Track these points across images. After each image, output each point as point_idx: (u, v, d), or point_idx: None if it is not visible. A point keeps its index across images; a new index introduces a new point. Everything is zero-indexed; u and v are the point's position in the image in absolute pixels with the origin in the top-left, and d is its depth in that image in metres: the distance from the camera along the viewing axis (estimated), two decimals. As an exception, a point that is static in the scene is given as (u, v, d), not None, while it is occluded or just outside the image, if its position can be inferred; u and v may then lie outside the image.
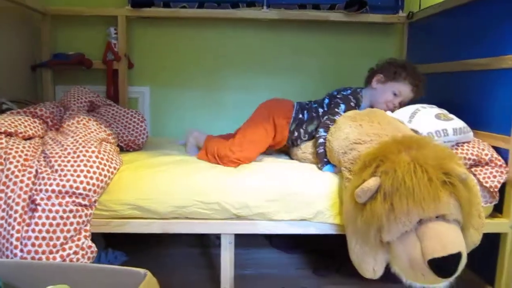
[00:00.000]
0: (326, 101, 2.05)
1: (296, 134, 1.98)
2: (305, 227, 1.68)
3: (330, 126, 1.84)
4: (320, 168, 1.80)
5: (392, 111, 1.94)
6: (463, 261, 1.28)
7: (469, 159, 1.68)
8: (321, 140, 1.83)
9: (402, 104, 1.99)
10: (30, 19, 2.62)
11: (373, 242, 1.35)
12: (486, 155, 1.68)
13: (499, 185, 1.66)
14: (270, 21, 2.71)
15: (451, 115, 1.79)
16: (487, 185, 1.65)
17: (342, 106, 1.93)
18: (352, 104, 1.96)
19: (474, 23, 1.96)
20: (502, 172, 1.67)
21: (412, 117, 1.77)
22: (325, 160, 1.79)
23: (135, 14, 2.62)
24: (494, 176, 1.66)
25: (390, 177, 1.28)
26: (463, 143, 1.73)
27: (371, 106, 2.01)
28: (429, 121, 1.72)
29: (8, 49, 2.35)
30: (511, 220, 1.70)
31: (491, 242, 1.77)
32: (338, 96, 2.01)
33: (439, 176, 1.28)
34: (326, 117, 1.91)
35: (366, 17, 2.65)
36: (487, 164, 1.70)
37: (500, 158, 1.71)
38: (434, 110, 1.81)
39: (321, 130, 1.87)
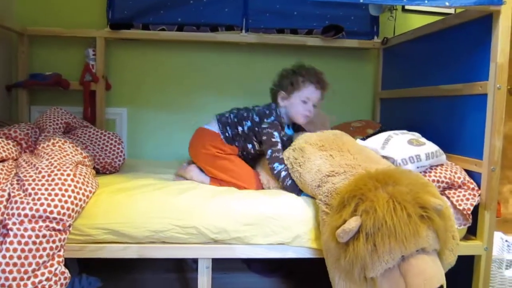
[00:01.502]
0: (256, 118, 1.97)
1: (249, 146, 1.97)
2: (283, 251, 1.67)
3: (280, 157, 1.84)
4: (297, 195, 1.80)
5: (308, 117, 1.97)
6: None
7: (442, 181, 1.71)
8: (283, 174, 1.80)
9: (318, 105, 2.01)
10: (7, 39, 2.59)
11: (357, 280, 1.36)
12: (459, 178, 1.72)
13: (471, 208, 1.69)
14: (249, 44, 2.75)
15: (423, 140, 1.83)
16: (460, 207, 1.68)
17: (276, 134, 1.88)
18: (280, 128, 1.93)
19: (445, 49, 2.03)
20: (474, 195, 1.71)
21: (386, 144, 1.80)
22: (298, 189, 1.78)
23: (114, 36, 2.61)
24: (467, 199, 1.70)
25: (371, 217, 1.29)
26: (436, 166, 1.77)
27: (292, 122, 2.03)
28: (402, 147, 1.75)
29: (-18, 69, 2.32)
30: (484, 242, 1.74)
31: (466, 264, 1.80)
32: (264, 126, 1.91)
33: (417, 211, 1.30)
34: (269, 150, 1.85)
35: (343, 42, 2.72)
36: (460, 187, 1.74)
37: (472, 181, 1.75)
38: (406, 136, 1.84)
39: (276, 165, 1.82)
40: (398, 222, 1.27)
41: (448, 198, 1.72)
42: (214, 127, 1.98)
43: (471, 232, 1.79)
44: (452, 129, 1.93)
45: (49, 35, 2.64)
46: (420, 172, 1.72)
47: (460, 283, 1.86)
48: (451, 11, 2.55)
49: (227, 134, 1.94)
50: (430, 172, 1.72)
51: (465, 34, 1.89)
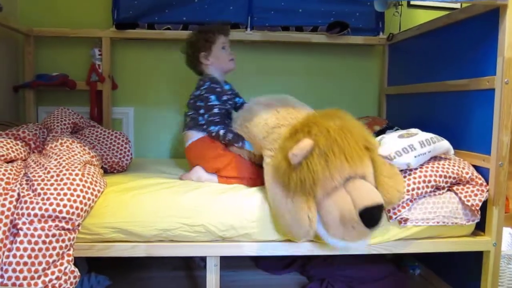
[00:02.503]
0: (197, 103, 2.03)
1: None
2: (291, 248, 1.68)
3: (216, 120, 1.94)
4: (241, 147, 1.89)
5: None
6: (383, 215, 1.47)
7: (450, 177, 1.70)
8: (222, 132, 1.91)
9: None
10: (13, 40, 2.61)
11: (307, 194, 1.46)
12: (467, 173, 1.72)
13: (480, 204, 1.68)
14: (254, 42, 2.75)
15: (415, 131, 1.82)
16: (469, 203, 1.68)
17: (212, 97, 1.97)
18: (216, 89, 2.00)
19: (452, 45, 2.02)
20: (482, 191, 1.70)
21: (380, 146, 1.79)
22: (242, 138, 1.89)
23: (119, 35, 2.62)
24: (475, 195, 1.69)
25: (324, 137, 1.43)
26: (445, 159, 1.76)
27: (224, 73, 2.16)
28: (393, 142, 1.73)
29: (-10, 70, 2.34)
30: (493, 238, 1.73)
31: (475, 260, 1.80)
32: (202, 93, 2.00)
33: (362, 142, 1.47)
34: (206, 115, 1.96)
35: (348, 39, 2.71)
36: (467, 182, 1.73)
37: (480, 177, 1.74)
38: (398, 132, 1.83)
39: (212, 128, 1.93)
40: (348, 144, 1.42)
41: (456, 194, 1.71)
42: (196, 135, 1.99)
43: (480, 228, 1.78)
44: (459, 125, 1.93)
45: (55, 35, 2.65)
46: (424, 163, 1.72)
47: (469, 279, 1.86)
48: (457, 6, 2.55)
49: (208, 131, 1.96)
50: (438, 168, 1.71)
51: (471, 29, 1.88)
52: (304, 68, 2.87)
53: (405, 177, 1.67)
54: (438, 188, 1.71)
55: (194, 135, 1.99)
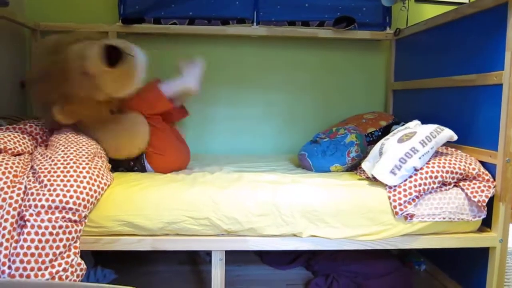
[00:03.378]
0: None
1: None
2: (297, 243, 1.68)
3: None
4: None
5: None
6: None
7: (457, 173, 1.69)
8: None
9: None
10: (20, 35, 2.62)
11: None
12: (474, 169, 1.71)
13: (486, 200, 1.68)
14: (260, 37, 2.74)
15: (413, 128, 1.81)
16: (475, 199, 1.67)
17: None
18: None
19: (459, 40, 2.01)
20: (489, 187, 1.70)
21: (381, 154, 1.78)
22: None
23: (125, 30, 2.63)
24: (482, 191, 1.68)
25: None
26: (451, 155, 1.75)
27: None
28: (394, 149, 1.72)
29: (-3, 65, 2.35)
30: (499, 234, 1.72)
31: (481, 256, 1.79)
32: None
33: None
34: None
35: (355, 34, 2.69)
36: (474, 178, 1.72)
37: (487, 172, 1.74)
38: (396, 135, 1.82)
39: None
40: None
41: (463, 189, 1.71)
42: None
43: (486, 224, 1.78)
44: (466, 120, 1.91)
45: (61, 30, 2.65)
46: (430, 159, 1.72)
47: (475, 276, 1.85)
48: (465, 0, 2.53)
49: None
50: (445, 163, 1.70)
51: (479, 23, 1.86)
52: (310, 63, 2.86)
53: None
54: (444, 183, 1.70)
55: None
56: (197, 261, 2.32)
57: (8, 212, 1.39)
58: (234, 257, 2.23)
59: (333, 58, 2.87)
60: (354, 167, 2.13)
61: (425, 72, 2.31)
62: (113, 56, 1.72)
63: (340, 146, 2.11)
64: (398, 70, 2.73)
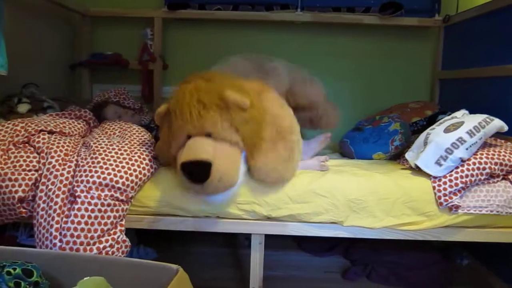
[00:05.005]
0: None
1: None
2: (336, 230, 1.67)
3: None
4: None
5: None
6: (215, 171, 1.39)
7: (506, 165, 1.63)
8: None
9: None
10: (70, 20, 2.71)
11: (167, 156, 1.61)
12: (525, 162, 1.64)
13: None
14: (304, 23, 2.72)
15: (461, 117, 1.75)
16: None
17: None
18: None
19: (514, 27, 1.92)
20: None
21: (426, 144, 1.73)
22: None
23: (171, 16, 2.67)
24: (533, 184, 1.62)
25: (175, 98, 1.51)
26: (501, 146, 1.68)
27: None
28: (440, 139, 1.67)
29: (49, 49, 2.44)
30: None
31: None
32: None
33: (212, 100, 1.46)
34: None
35: (401, 20, 2.62)
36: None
37: (540, 165, 1.66)
38: (443, 125, 1.76)
39: None
40: (183, 105, 1.46)
41: (512, 182, 1.64)
42: None
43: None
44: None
45: (109, 15, 2.73)
46: (479, 150, 1.66)
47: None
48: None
49: None
50: (494, 155, 1.64)
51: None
52: (354, 51, 2.82)
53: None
54: (492, 176, 1.64)
55: None
56: (236, 244, 2.36)
57: (59, 188, 1.46)
58: (272, 242, 2.25)
59: (377, 46, 2.81)
60: (397, 157, 2.08)
61: (476, 61, 2.22)
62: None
63: (383, 134, 2.07)
64: (446, 59, 2.64)
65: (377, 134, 2.08)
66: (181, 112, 1.47)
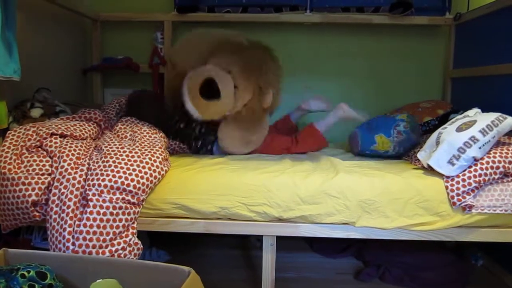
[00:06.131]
0: None
1: None
2: (348, 231, 1.66)
3: None
4: None
5: None
6: None
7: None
8: None
9: None
10: (81, 25, 2.74)
11: None
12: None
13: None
14: (313, 24, 2.71)
15: (473, 116, 1.72)
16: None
17: None
18: None
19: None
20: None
21: (438, 144, 1.71)
22: None
23: (181, 19, 2.68)
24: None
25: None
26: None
27: None
28: (453, 138, 1.65)
29: (61, 54, 2.47)
30: None
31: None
32: None
33: None
34: None
35: (412, 19, 2.60)
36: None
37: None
38: (455, 124, 1.73)
39: None
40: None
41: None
42: None
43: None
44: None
45: (120, 20, 2.75)
46: (492, 149, 1.64)
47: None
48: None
49: None
50: (507, 153, 1.62)
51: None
52: (364, 51, 2.80)
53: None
54: (506, 174, 1.62)
55: None
56: (248, 246, 2.36)
57: (71, 192, 1.47)
58: (284, 244, 2.24)
59: (388, 45, 2.79)
60: (405, 148, 2.06)
61: (488, 59, 2.20)
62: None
63: (388, 120, 2.10)
64: (457, 57, 2.62)
65: (382, 119, 2.14)
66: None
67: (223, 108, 1.95)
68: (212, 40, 2.14)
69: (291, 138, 2.11)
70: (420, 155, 1.80)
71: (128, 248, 1.50)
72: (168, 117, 2.15)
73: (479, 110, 1.83)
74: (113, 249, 1.45)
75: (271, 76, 2.04)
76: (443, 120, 2.19)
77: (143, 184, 1.54)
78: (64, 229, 1.42)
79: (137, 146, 1.66)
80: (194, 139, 2.12)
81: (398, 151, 2.05)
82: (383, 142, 2.04)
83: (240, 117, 2.00)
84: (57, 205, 1.47)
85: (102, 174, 1.50)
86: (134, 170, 1.54)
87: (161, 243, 2.17)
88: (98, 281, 1.19)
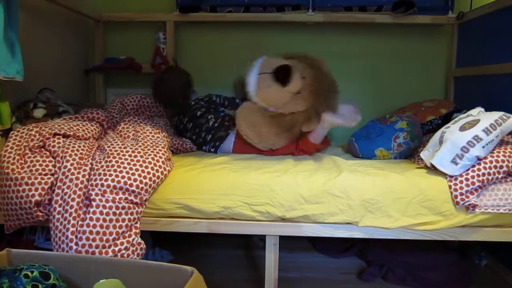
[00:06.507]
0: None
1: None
2: (350, 231, 1.66)
3: None
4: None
5: None
6: None
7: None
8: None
9: None
10: (83, 26, 2.74)
11: None
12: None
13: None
14: (316, 24, 2.71)
15: (476, 115, 1.72)
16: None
17: None
18: None
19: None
20: None
21: (441, 143, 1.70)
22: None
23: (183, 19, 2.68)
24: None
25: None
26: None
27: None
28: (456, 138, 1.64)
29: (64, 54, 2.47)
30: None
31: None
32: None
33: None
34: None
35: (414, 18, 2.59)
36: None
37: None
38: (458, 123, 1.73)
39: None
40: None
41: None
42: None
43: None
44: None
45: (122, 20, 2.76)
46: (495, 148, 1.63)
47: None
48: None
49: None
50: (511, 153, 1.61)
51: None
52: (367, 50, 2.80)
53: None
54: (510, 174, 1.62)
55: None
56: (251, 246, 2.36)
57: (74, 192, 1.48)
58: (287, 244, 2.24)
59: (391, 44, 2.79)
60: (406, 155, 2.06)
61: (491, 58, 2.19)
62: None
63: (387, 129, 2.05)
64: (460, 56, 2.61)
65: (380, 129, 2.07)
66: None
67: (278, 96, 1.99)
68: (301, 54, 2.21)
69: (295, 145, 2.10)
70: (423, 154, 1.79)
71: (131, 248, 1.50)
72: (193, 92, 2.30)
73: (483, 109, 1.83)
74: (116, 249, 1.45)
75: (332, 108, 2.00)
76: (446, 119, 2.18)
77: (146, 184, 1.54)
78: (67, 229, 1.42)
79: (140, 146, 1.66)
80: (206, 130, 2.13)
81: (399, 157, 2.07)
82: (383, 155, 2.05)
83: (279, 118, 2.00)
84: (60, 205, 1.47)
85: (105, 174, 1.50)
86: (137, 170, 1.54)
87: (164, 243, 2.17)
88: (101, 281, 1.19)
